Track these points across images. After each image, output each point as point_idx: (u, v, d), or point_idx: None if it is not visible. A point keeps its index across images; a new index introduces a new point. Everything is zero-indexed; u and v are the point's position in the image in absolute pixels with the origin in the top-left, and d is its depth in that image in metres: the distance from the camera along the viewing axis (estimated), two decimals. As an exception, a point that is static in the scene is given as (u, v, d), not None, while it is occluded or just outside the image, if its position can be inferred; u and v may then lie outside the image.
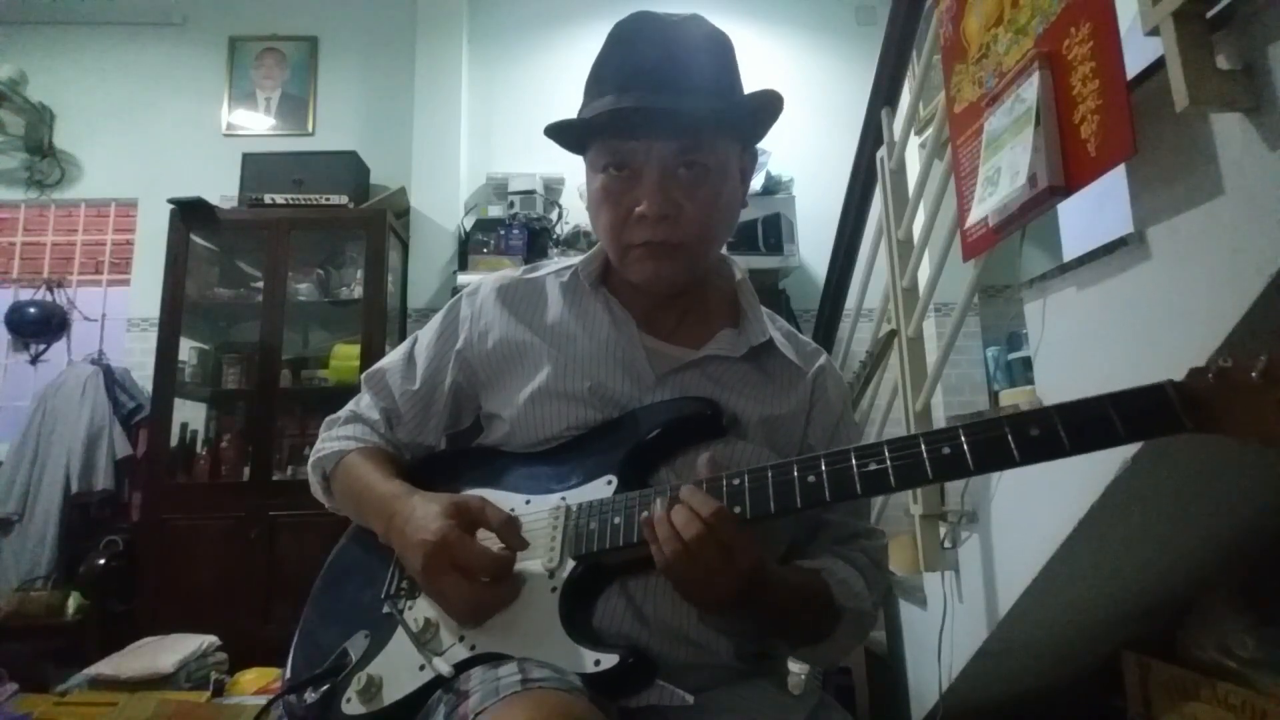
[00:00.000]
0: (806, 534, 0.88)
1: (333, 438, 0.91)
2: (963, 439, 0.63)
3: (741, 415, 0.82)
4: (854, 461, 0.66)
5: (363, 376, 0.96)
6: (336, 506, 0.91)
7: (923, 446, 0.64)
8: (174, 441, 2.94)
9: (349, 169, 3.23)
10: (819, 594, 0.79)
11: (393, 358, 0.95)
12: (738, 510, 0.68)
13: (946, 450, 0.63)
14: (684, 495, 0.68)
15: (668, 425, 0.79)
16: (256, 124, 3.64)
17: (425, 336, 0.94)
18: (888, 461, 0.65)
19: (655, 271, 0.81)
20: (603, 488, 0.77)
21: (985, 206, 1.16)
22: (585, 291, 0.88)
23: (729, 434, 0.80)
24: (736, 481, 0.70)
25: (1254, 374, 0.56)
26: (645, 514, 0.69)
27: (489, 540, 0.74)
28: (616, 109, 0.76)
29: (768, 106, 0.82)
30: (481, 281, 0.94)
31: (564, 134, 0.83)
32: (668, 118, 0.75)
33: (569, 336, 0.86)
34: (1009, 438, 0.61)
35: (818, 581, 0.80)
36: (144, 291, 3.32)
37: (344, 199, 3.11)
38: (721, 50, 0.81)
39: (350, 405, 0.95)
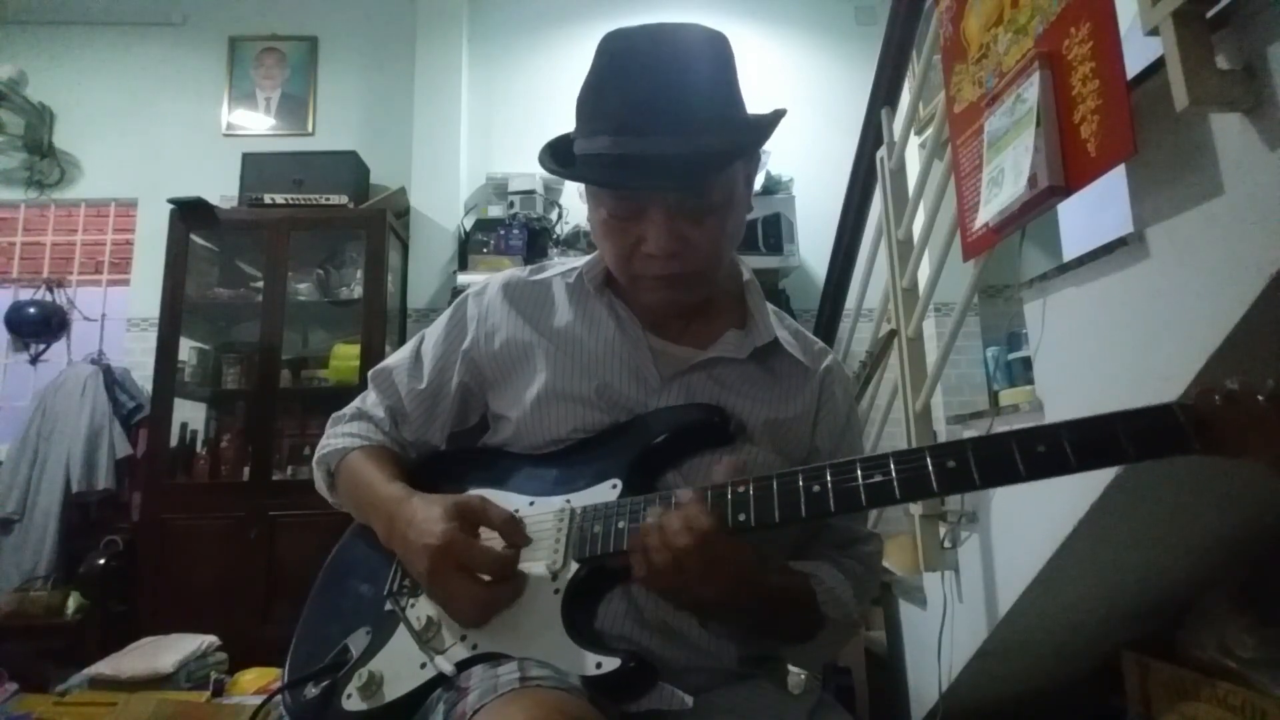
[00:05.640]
0: (806, 537, 0.88)
1: (337, 434, 0.91)
2: (970, 454, 0.63)
3: (747, 419, 0.82)
4: (859, 473, 0.66)
5: (369, 374, 0.96)
6: (340, 503, 0.91)
7: (929, 460, 0.64)
8: (174, 441, 2.95)
9: (349, 169, 3.23)
10: (805, 601, 0.79)
11: (399, 356, 0.94)
12: (741, 518, 0.68)
13: (953, 464, 0.63)
14: (683, 502, 0.68)
15: (675, 431, 0.79)
16: (256, 124, 3.64)
17: (432, 335, 0.94)
18: (893, 474, 0.65)
19: (666, 298, 0.81)
20: (607, 491, 0.77)
21: (991, 208, 1.16)
22: (590, 294, 0.88)
23: (735, 440, 0.81)
24: (741, 489, 0.70)
25: (1261, 397, 0.56)
26: (634, 524, 0.69)
27: (491, 539, 0.74)
28: (614, 155, 0.72)
29: (773, 123, 0.80)
30: (488, 281, 0.94)
31: (555, 164, 0.81)
32: (671, 162, 0.72)
33: (575, 339, 0.86)
34: (1016, 455, 0.61)
35: (805, 588, 0.80)
36: (144, 291, 3.32)
37: (344, 199, 3.12)
38: (722, 65, 0.77)
39: (356, 402, 0.95)
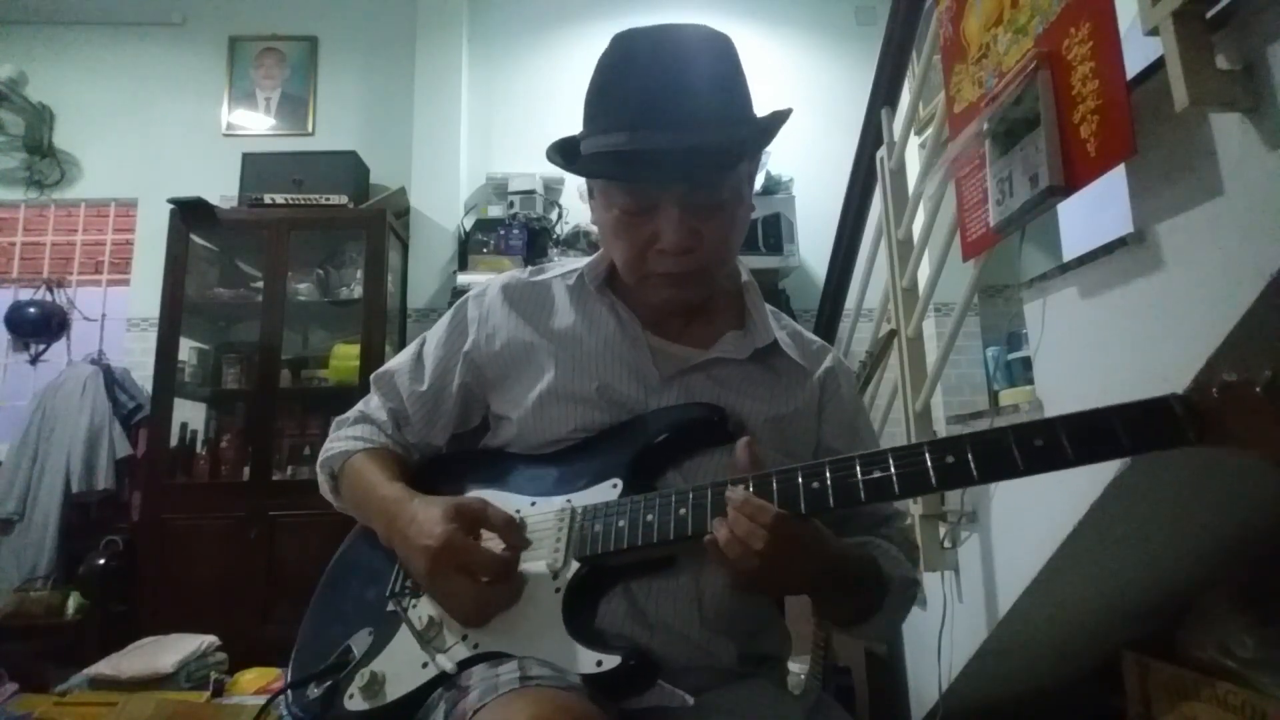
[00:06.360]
0: (837, 522, 0.87)
1: (341, 438, 0.92)
2: (968, 449, 0.63)
3: (747, 418, 0.82)
4: (858, 469, 0.67)
5: (371, 377, 0.96)
6: (343, 506, 0.91)
7: (927, 455, 0.64)
8: (174, 441, 2.95)
9: (349, 169, 3.23)
10: (868, 565, 0.79)
11: (401, 359, 0.95)
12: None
13: (951, 459, 0.63)
14: (737, 505, 0.67)
15: (674, 430, 0.80)
16: (256, 124, 3.64)
17: (433, 338, 0.94)
18: (892, 469, 0.65)
19: (673, 296, 0.82)
20: (608, 490, 0.77)
21: (1004, 209, 1.16)
22: (591, 294, 0.89)
23: (735, 438, 0.81)
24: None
25: (1258, 389, 0.56)
26: (708, 537, 0.68)
27: (491, 541, 0.74)
28: (630, 151, 0.73)
29: (780, 121, 0.81)
30: (489, 283, 0.94)
31: (566, 161, 0.81)
32: (685, 156, 0.73)
33: (576, 339, 0.86)
34: (1014, 449, 0.62)
35: (865, 553, 0.81)
36: (144, 291, 3.32)
37: (344, 199, 3.12)
38: (731, 64, 0.78)
39: (359, 405, 0.95)
